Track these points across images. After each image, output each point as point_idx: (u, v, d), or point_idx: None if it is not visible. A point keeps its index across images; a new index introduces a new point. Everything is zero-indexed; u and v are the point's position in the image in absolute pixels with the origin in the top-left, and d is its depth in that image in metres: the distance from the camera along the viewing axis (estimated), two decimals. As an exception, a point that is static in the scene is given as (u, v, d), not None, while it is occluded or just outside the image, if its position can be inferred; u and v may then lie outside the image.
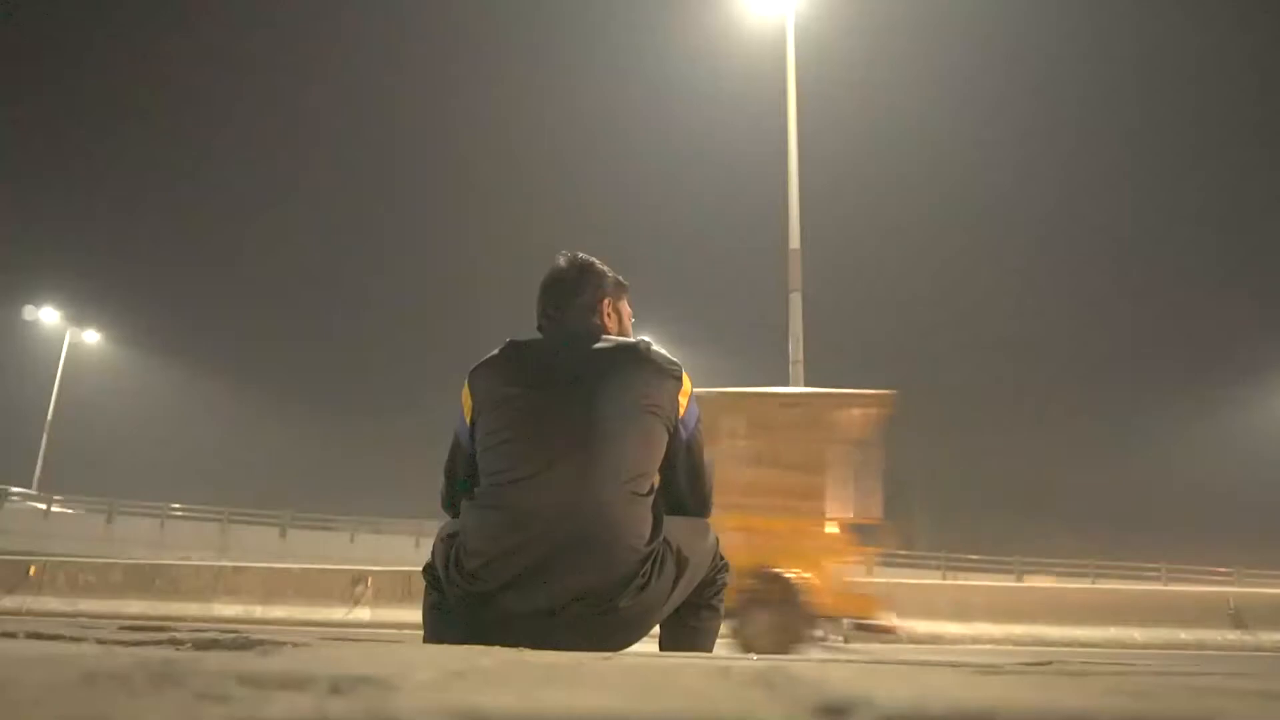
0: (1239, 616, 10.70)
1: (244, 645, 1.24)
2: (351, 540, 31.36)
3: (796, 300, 12.76)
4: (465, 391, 2.15)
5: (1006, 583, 21.93)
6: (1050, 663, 1.37)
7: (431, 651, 1.49)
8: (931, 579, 24.67)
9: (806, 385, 12.54)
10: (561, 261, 2.28)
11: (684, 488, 2.17)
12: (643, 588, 1.95)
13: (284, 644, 1.26)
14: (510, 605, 1.95)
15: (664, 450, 2.09)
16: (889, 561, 28.95)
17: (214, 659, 1.00)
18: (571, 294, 2.23)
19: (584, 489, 1.95)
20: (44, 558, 12.72)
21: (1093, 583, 25.69)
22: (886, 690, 0.81)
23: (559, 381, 2.06)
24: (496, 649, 1.49)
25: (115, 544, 28.90)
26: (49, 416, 35.39)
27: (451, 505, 2.24)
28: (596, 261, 2.30)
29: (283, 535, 30.96)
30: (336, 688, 0.73)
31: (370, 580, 11.32)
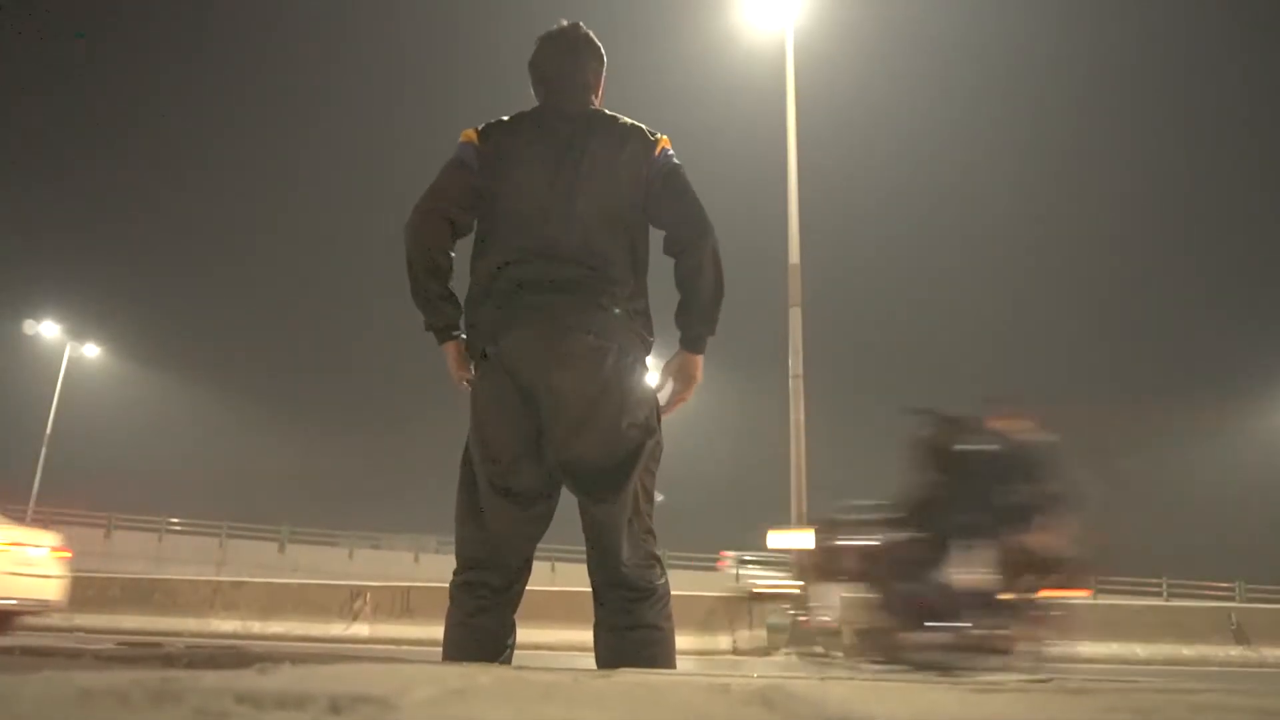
0: (1241, 632, 10.64)
1: (242, 662, 1.24)
2: (350, 555, 31.23)
3: (796, 315, 12.75)
4: (472, 133, 2.27)
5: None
6: (1050, 679, 1.37)
7: (430, 669, 1.48)
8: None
9: (806, 400, 12.55)
10: (575, 35, 2.38)
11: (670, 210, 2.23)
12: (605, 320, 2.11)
13: (282, 661, 1.26)
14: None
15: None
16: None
17: (212, 677, 1.00)
18: (578, 77, 2.35)
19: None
20: (42, 572, 12.65)
21: (1093, 597, 25.59)
22: (886, 709, 0.81)
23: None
24: (495, 667, 1.49)
25: (113, 558, 28.80)
26: (48, 430, 35.31)
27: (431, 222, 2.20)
28: (598, 42, 2.41)
29: (281, 550, 30.84)
30: (335, 706, 0.73)
31: (369, 596, 11.27)
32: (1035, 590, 5.21)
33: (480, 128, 2.27)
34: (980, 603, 5.08)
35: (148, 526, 31.64)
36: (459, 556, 2.18)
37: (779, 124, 13.99)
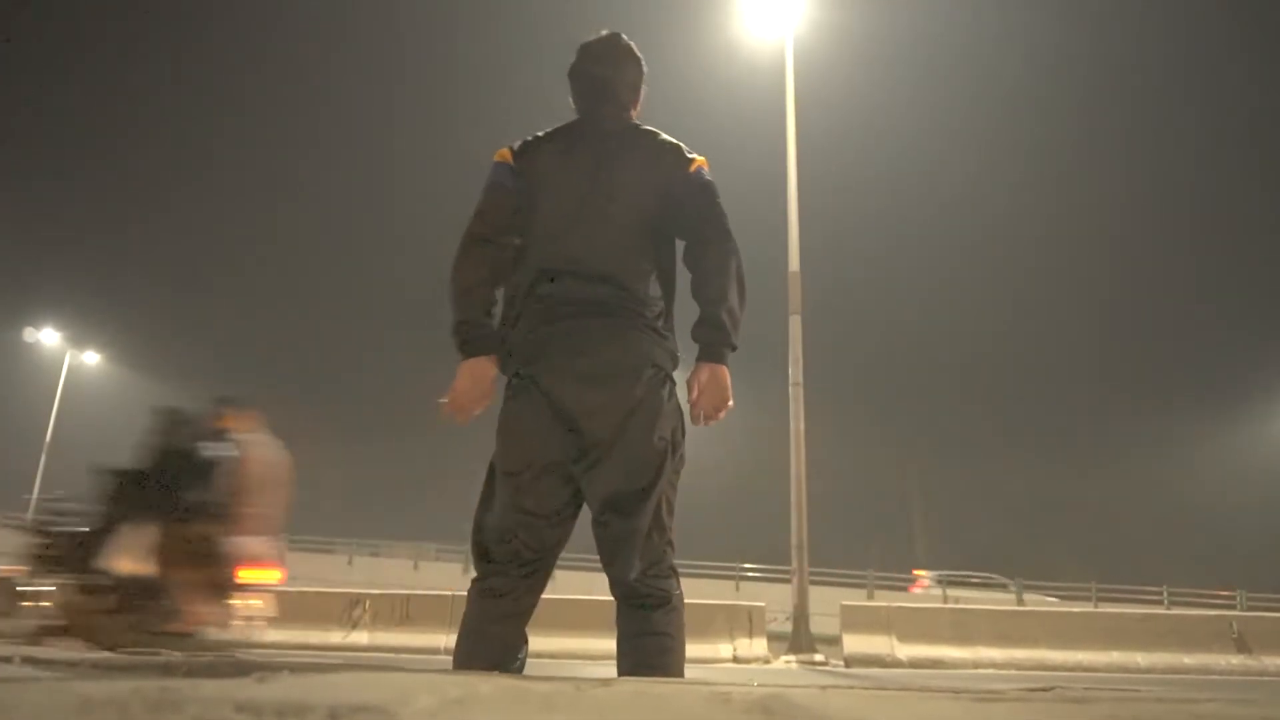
0: (1243, 640, 10.62)
1: (241, 671, 1.23)
2: (350, 563, 31.18)
3: (796, 323, 12.75)
4: (507, 152, 2.25)
5: (1007, 605, 21.79)
6: (1053, 688, 1.36)
7: (430, 678, 1.48)
8: (932, 602, 24.53)
9: (807, 408, 12.54)
10: (616, 47, 2.37)
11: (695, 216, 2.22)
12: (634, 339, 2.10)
13: (281, 669, 1.25)
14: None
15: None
16: (888, 584, 28.83)
17: (211, 686, 0.99)
18: (617, 90, 2.33)
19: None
20: (41, 580, 12.62)
21: (1095, 606, 25.53)
22: (887, 719, 0.80)
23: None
24: (495, 676, 1.48)
25: (112, 566, 28.72)
26: (48, 438, 35.30)
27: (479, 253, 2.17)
28: (638, 55, 2.40)
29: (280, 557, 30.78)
30: (334, 715, 0.73)
31: (368, 603, 11.24)
32: (196, 578, 5.82)
33: (515, 146, 2.27)
34: (143, 587, 5.64)
35: (147, 534, 31.55)
36: (477, 563, 2.18)
37: (779, 131, 14.03)
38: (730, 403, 2.15)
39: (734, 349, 2.17)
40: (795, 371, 12.61)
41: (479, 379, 2.12)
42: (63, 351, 36.97)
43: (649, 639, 2.12)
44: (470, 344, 2.13)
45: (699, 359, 2.16)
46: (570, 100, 2.38)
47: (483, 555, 2.16)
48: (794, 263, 13.10)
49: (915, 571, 29.00)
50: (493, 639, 2.12)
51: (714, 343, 2.14)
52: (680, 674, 2.12)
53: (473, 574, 2.20)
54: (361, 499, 48.20)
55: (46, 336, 37.05)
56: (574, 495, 2.14)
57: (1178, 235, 67.68)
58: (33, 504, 34.08)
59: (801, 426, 12.38)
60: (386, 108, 77.13)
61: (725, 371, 2.15)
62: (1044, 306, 68.02)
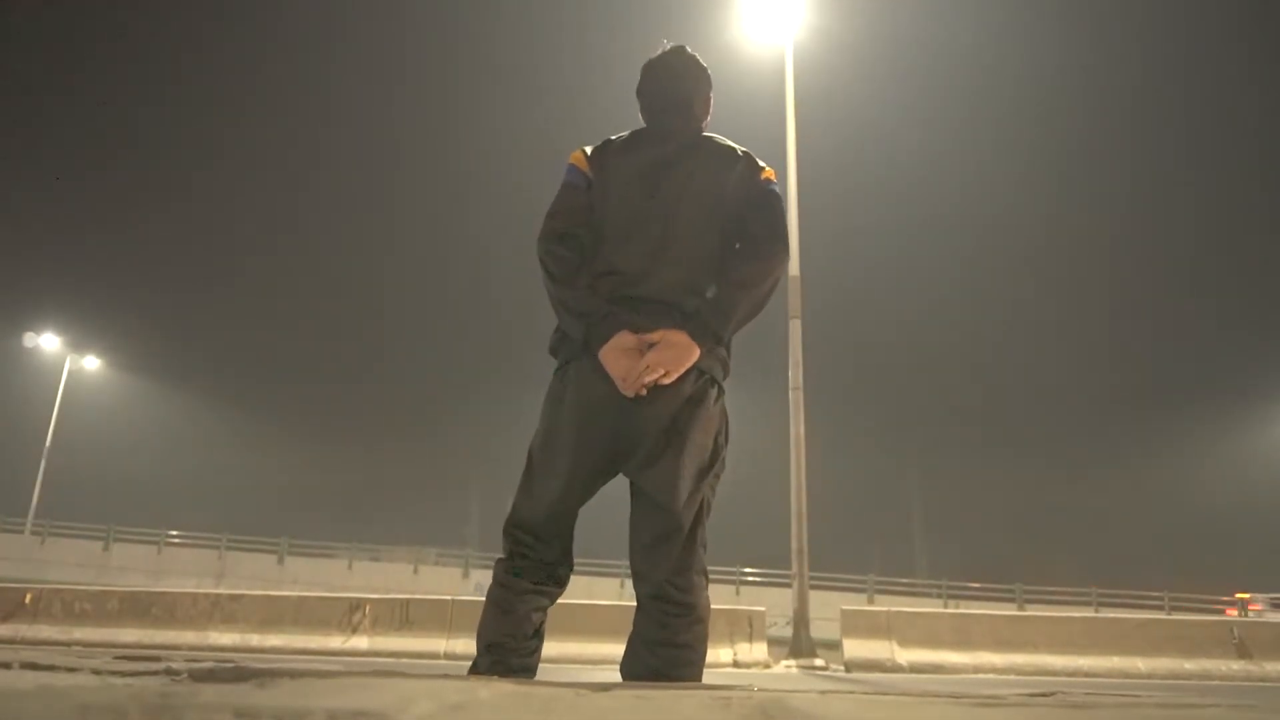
0: (1244, 646, 10.60)
1: (241, 677, 1.23)
2: (349, 567, 31.15)
3: (796, 327, 12.76)
4: (580, 154, 2.29)
5: (1008, 611, 21.78)
6: (1054, 694, 1.36)
7: (429, 684, 1.47)
8: (932, 607, 24.48)
9: (806, 413, 12.54)
10: (680, 59, 2.39)
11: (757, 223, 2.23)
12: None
13: (281, 675, 1.25)
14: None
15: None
16: (890, 589, 28.81)
17: (211, 691, 0.99)
18: (687, 100, 2.36)
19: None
20: (40, 585, 12.63)
21: (1095, 611, 25.49)
22: (887, 724, 0.80)
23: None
24: (495, 682, 1.48)
25: (112, 571, 28.74)
26: (48, 442, 35.30)
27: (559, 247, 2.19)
28: (703, 64, 2.42)
29: (280, 562, 30.77)
30: (334, 721, 0.73)
31: (368, 608, 11.23)
32: None
33: (589, 149, 2.31)
34: None
35: (147, 539, 31.58)
36: (506, 535, 2.25)
37: (779, 136, 14.05)
38: (671, 379, 2.08)
39: (718, 341, 2.16)
40: (795, 375, 12.61)
41: (628, 352, 2.09)
42: (63, 356, 37.01)
43: (670, 650, 2.11)
44: (598, 330, 2.11)
45: (682, 325, 2.11)
46: (641, 116, 2.40)
47: (514, 535, 2.23)
48: (794, 267, 13.12)
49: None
50: (513, 613, 2.19)
51: (708, 322, 2.12)
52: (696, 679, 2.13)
53: (500, 554, 2.26)
54: (362, 503, 48.19)
55: (46, 341, 37.10)
56: (600, 486, 2.21)
57: (1180, 239, 67.76)
58: (32, 507, 34.10)
59: (801, 431, 12.38)
60: (389, 109, 77.28)
61: (696, 353, 2.11)
62: (1045, 311, 68.08)
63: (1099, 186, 68.96)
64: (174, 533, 31.95)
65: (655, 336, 2.09)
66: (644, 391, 2.07)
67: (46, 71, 72.86)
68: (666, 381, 2.08)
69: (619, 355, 2.08)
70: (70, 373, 36.75)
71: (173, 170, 75.92)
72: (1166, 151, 70.49)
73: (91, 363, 38.94)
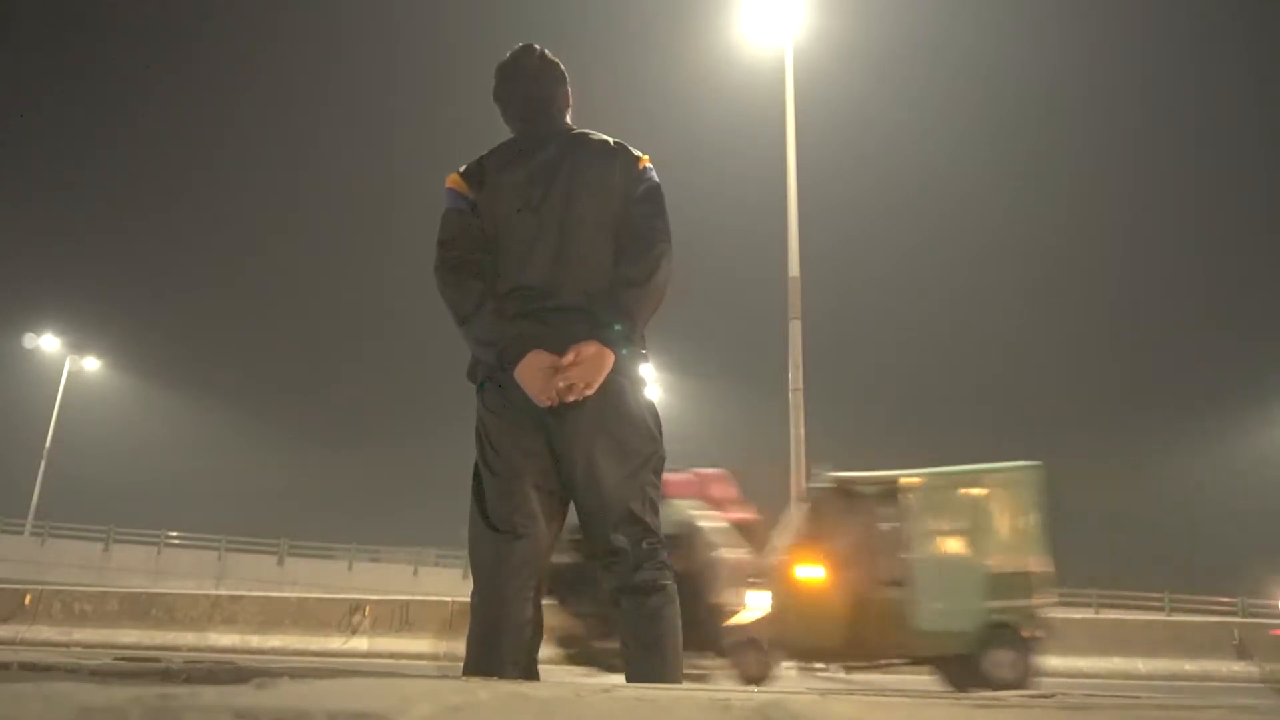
0: (1244, 648, 10.59)
1: (240, 678, 1.23)
2: (349, 568, 31.16)
3: (796, 328, 12.77)
4: (456, 176, 2.26)
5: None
6: (1053, 695, 1.36)
7: (429, 685, 1.47)
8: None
9: (805, 413, 12.54)
10: (533, 60, 2.37)
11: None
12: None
13: (280, 676, 1.25)
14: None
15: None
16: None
17: (210, 693, 0.99)
18: (549, 101, 2.35)
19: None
20: (39, 586, 12.63)
21: (1096, 613, 25.47)
22: (888, 725, 0.80)
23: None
24: (494, 683, 1.48)
25: (112, 572, 28.72)
26: (48, 443, 35.28)
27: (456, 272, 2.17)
28: (555, 59, 2.40)
29: (280, 563, 30.77)
30: (333, 722, 0.73)
31: (368, 609, 11.23)
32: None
33: (461, 169, 2.28)
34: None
35: (146, 540, 31.59)
36: (474, 571, 2.20)
37: (779, 137, 14.06)
38: (591, 390, 2.08)
39: (630, 343, 2.15)
40: (795, 377, 12.61)
41: (542, 369, 2.08)
42: (62, 357, 37.00)
43: (648, 624, 2.12)
44: (509, 354, 2.11)
45: (595, 336, 2.10)
46: (504, 122, 2.39)
47: (474, 564, 2.17)
48: (794, 268, 13.12)
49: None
50: (492, 648, 2.12)
51: (617, 329, 2.11)
52: (679, 656, 2.13)
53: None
54: (362, 504, 48.17)
55: (46, 342, 37.07)
56: (547, 503, 2.17)
57: (1184, 241, 67.76)
58: (32, 509, 34.09)
59: (802, 432, 12.38)
60: (388, 110, 77.29)
61: (611, 359, 2.10)
62: (1045, 311, 68.05)
63: (1104, 185, 68.97)
64: (174, 534, 31.98)
65: (569, 358, 2.06)
66: (563, 398, 2.07)
67: (46, 72, 72.88)
68: (590, 394, 2.07)
69: (534, 373, 2.07)
70: (70, 374, 36.74)
71: (173, 170, 75.96)
72: (1175, 147, 70.47)
73: (91, 364, 38.92)
